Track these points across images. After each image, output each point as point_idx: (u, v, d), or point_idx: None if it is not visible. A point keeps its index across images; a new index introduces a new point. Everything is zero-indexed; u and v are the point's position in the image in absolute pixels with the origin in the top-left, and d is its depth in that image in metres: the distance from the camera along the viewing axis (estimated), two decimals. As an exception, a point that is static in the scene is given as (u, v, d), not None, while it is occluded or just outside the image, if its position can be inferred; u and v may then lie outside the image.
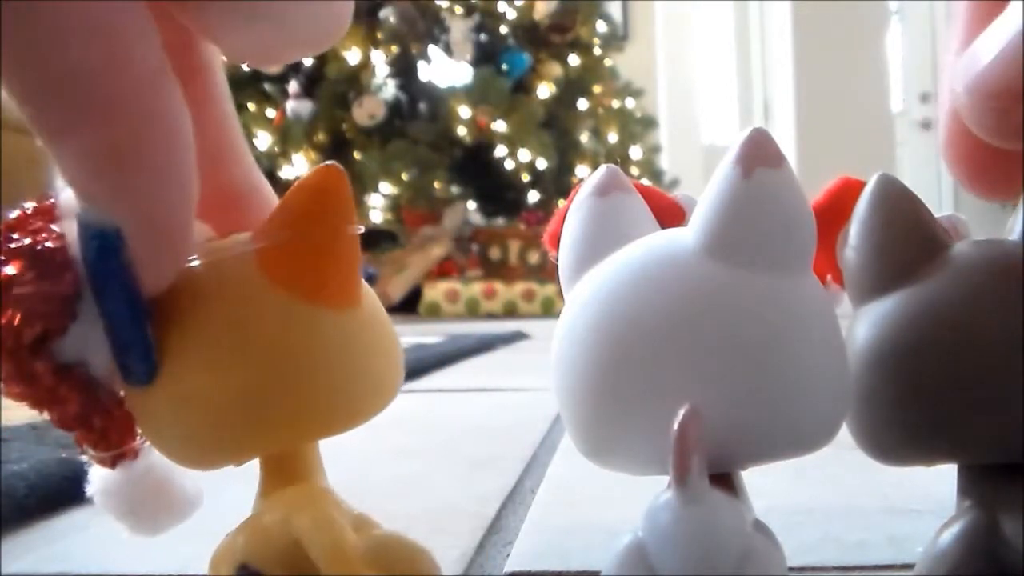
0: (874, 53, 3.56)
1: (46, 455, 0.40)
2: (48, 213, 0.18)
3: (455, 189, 2.92)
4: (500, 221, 3.02)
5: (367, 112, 2.72)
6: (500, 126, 2.81)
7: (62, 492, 0.36)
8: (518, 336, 1.55)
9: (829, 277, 0.26)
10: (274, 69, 2.55)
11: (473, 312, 2.66)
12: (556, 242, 0.22)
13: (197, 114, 0.20)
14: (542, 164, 2.87)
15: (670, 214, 0.24)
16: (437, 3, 2.83)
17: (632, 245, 0.20)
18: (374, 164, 2.70)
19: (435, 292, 2.68)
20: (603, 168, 0.22)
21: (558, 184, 2.90)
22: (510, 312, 2.67)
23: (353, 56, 2.74)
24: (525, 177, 2.89)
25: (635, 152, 3.23)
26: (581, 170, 2.93)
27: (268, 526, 0.18)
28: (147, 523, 0.21)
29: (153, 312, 0.18)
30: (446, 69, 2.89)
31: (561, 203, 0.25)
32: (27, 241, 0.18)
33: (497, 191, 2.96)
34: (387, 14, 2.77)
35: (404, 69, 2.85)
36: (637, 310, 0.18)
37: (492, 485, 0.39)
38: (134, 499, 0.21)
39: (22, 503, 0.34)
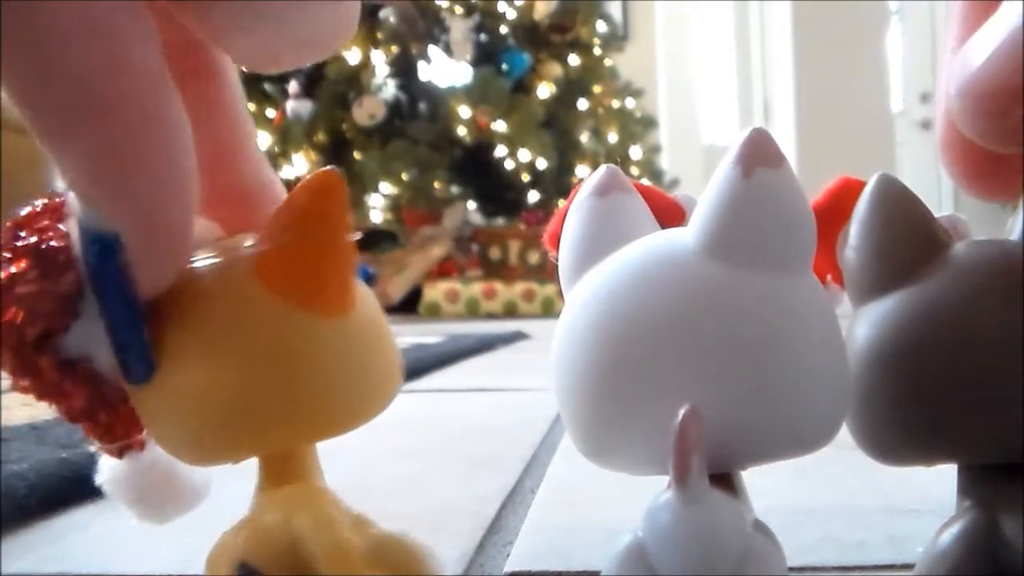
0: (874, 53, 3.56)
1: (46, 455, 0.40)
2: (56, 211, 0.18)
3: (455, 189, 2.92)
4: (500, 221, 3.02)
5: (367, 112, 2.72)
6: (500, 126, 2.81)
7: (62, 492, 0.36)
8: (518, 336, 1.55)
9: (829, 277, 0.26)
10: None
11: (473, 312, 2.66)
12: (556, 242, 0.22)
13: (206, 114, 0.20)
14: (542, 164, 2.87)
15: (670, 214, 0.25)
16: (437, 3, 2.83)
17: (632, 245, 0.20)
18: (374, 164, 2.70)
19: (435, 292, 2.68)
20: (603, 168, 0.22)
21: (558, 184, 2.90)
22: (510, 312, 2.67)
23: (353, 56, 2.74)
24: (525, 177, 2.89)
25: (635, 152, 3.23)
26: (581, 170, 2.93)
27: (268, 525, 0.18)
28: (154, 512, 0.22)
29: (152, 312, 0.18)
30: (446, 69, 2.88)
31: (561, 203, 0.25)
32: (33, 239, 0.18)
33: (497, 191, 2.96)
34: (387, 14, 2.77)
35: (404, 69, 2.85)
36: (637, 310, 0.18)
37: (492, 485, 0.39)
38: (141, 489, 0.21)
39: (22, 503, 0.34)
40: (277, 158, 2.73)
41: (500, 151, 2.85)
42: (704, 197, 0.19)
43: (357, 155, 2.74)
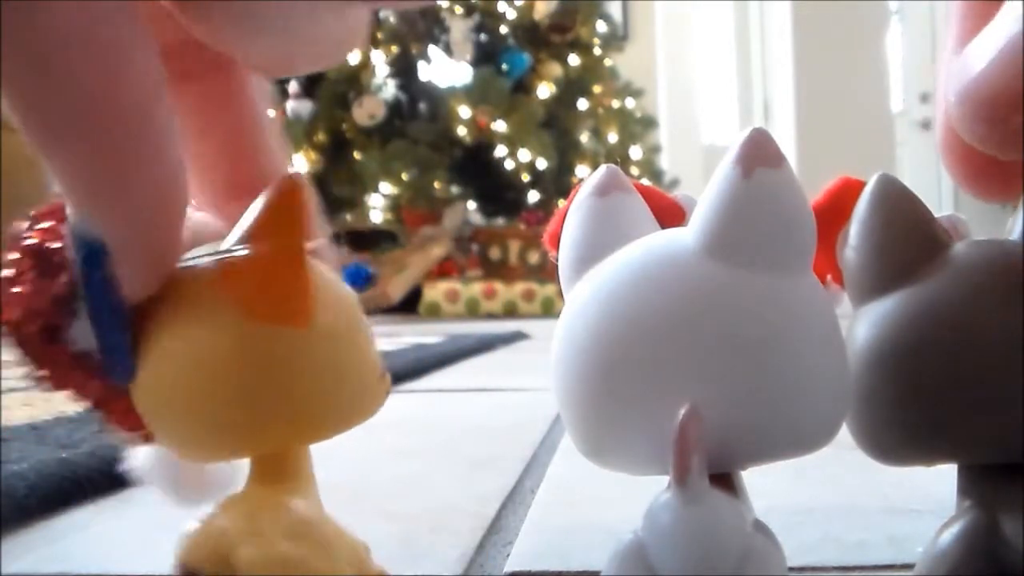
0: (874, 53, 3.56)
1: (46, 455, 0.40)
2: (60, 213, 0.19)
3: (455, 189, 2.92)
4: (500, 221, 3.02)
5: (367, 112, 2.72)
6: (500, 126, 2.81)
7: (62, 492, 0.36)
8: (518, 336, 1.55)
9: (829, 277, 0.26)
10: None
11: (473, 312, 2.66)
12: (556, 242, 0.22)
13: (220, 106, 0.20)
14: (542, 164, 2.87)
15: (670, 214, 0.25)
16: (437, 3, 2.83)
17: (632, 245, 0.20)
18: (374, 164, 2.70)
19: (435, 292, 2.68)
20: (603, 168, 0.22)
21: (558, 184, 2.90)
22: (510, 312, 2.67)
23: (353, 56, 2.74)
24: (525, 177, 2.89)
25: (635, 152, 3.23)
26: (581, 170, 2.93)
27: (213, 529, 0.18)
28: (188, 495, 0.22)
29: (137, 314, 0.18)
30: (446, 69, 2.88)
31: (561, 203, 0.25)
32: (35, 240, 0.19)
33: (497, 191, 2.96)
34: (387, 14, 2.77)
35: (404, 69, 2.85)
36: (637, 310, 0.18)
37: (492, 485, 0.39)
38: (173, 473, 0.22)
39: (22, 503, 0.34)
40: (277, 158, 2.73)
41: (500, 151, 2.85)
42: (704, 197, 0.19)
43: (357, 155, 2.74)
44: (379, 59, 2.81)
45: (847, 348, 0.20)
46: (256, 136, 0.21)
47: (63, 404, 0.62)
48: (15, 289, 0.18)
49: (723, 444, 0.18)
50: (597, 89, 3.12)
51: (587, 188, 0.21)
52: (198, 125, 0.21)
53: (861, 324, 0.20)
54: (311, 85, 2.77)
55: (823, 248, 0.25)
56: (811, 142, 3.41)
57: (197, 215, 0.21)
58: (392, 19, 2.77)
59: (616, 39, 3.42)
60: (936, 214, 0.21)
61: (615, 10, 3.96)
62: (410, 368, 0.88)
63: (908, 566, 0.25)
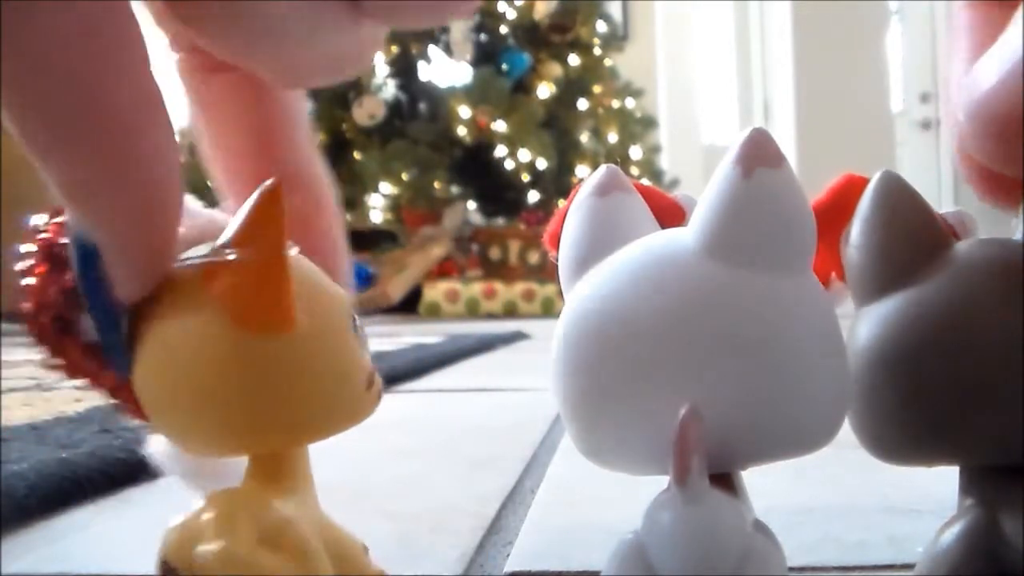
0: (874, 53, 3.56)
1: (46, 455, 0.40)
2: None
3: (455, 189, 2.91)
4: (500, 221, 3.02)
5: (367, 112, 2.72)
6: (500, 126, 2.81)
7: (62, 492, 0.36)
8: (518, 336, 1.55)
9: (833, 275, 0.26)
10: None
11: (473, 312, 2.66)
12: (556, 242, 0.22)
13: (246, 102, 0.20)
14: (542, 164, 2.87)
15: (670, 214, 0.24)
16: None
17: (632, 245, 0.20)
18: (374, 164, 2.70)
19: (435, 292, 2.68)
20: (603, 168, 0.22)
21: (558, 184, 2.89)
22: (510, 312, 2.67)
23: (353, 56, 2.74)
24: (525, 177, 2.89)
25: (635, 152, 3.23)
26: (581, 170, 2.93)
27: (194, 526, 0.18)
28: (211, 484, 0.22)
29: (135, 311, 0.19)
30: (446, 69, 2.88)
31: (561, 203, 0.25)
32: (49, 234, 0.19)
33: (497, 191, 2.95)
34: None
35: (404, 69, 2.85)
36: (637, 310, 0.18)
37: (492, 485, 0.39)
38: (185, 462, 0.22)
39: (22, 503, 0.34)
40: (277, 158, 2.73)
41: (500, 151, 2.85)
42: (704, 197, 0.19)
43: (357, 155, 2.74)
44: (379, 59, 2.81)
45: (849, 347, 0.20)
46: (284, 130, 0.21)
47: (63, 404, 0.62)
48: (28, 281, 0.19)
49: (723, 444, 0.18)
50: (597, 89, 3.12)
51: (587, 188, 0.21)
52: (226, 118, 0.21)
53: (863, 324, 0.20)
54: (311, 85, 2.77)
55: (827, 245, 0.25)
56: (811, 142, 3.41)
57: (205, 212, 0.21)
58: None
59: (616, 39, 3.42)
60: (943, 211, 0.21)
61: (615, 10, 3.96)
62: (410, 368, 0.88)
63: (908, 566, 0.25)
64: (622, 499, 0.33)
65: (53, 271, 0.19)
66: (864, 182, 0.22)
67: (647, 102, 3.60)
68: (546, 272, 2.70)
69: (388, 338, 1.39)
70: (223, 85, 0.20)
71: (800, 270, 0.18)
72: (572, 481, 0.39)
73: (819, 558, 0.26)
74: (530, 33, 3.00)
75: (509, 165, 2.86)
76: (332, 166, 0.23)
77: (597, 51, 3.15)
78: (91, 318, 0.18)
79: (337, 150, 2.74)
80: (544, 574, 0.26)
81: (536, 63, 2.98)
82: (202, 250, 0.19)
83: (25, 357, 1.19)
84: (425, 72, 2.89)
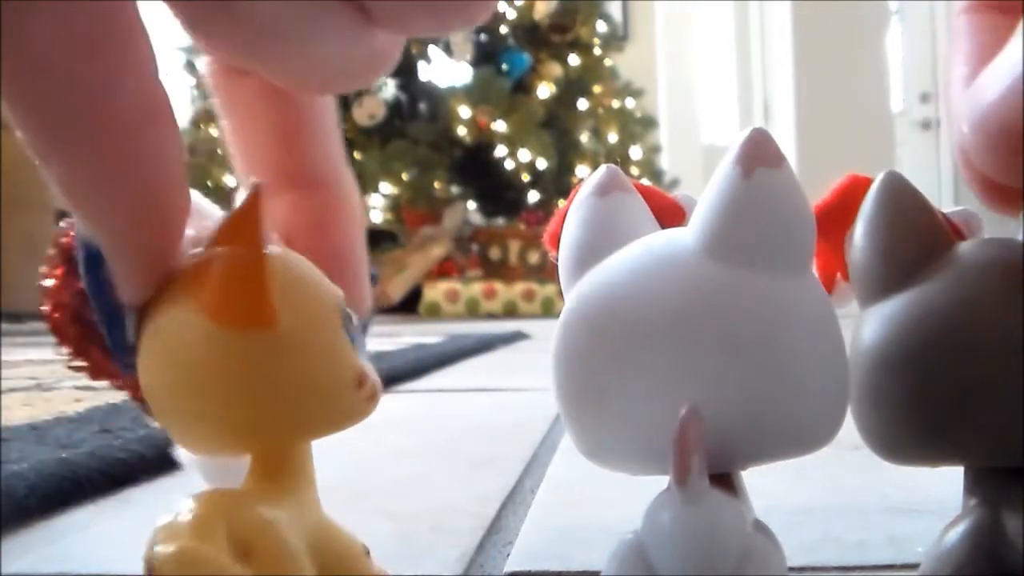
0: (874, 53, 3.55)
1: (46, 455, 0.40)
2: None
3: (455, 189, 2.92)
4: (500, 221, 3.02)
5: (367, 112, 2.72)
6: (500, 126, 2.81)
7: (62, 492, 0.36)
8: (518, 336, 1.55)
9: (838, 275, 0.26)
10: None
11: (473, 312, 2.66)
12: (556, 242, 0.22)
13: (269, 102, 0.20)
14: (542, 164, 2.87)
15: (670, 214, 0.24)
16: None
17: (632, 245, 0.20)
18: (374, 164, 2.70)
19: (435, 292, 2.68)
20: (603, 168, 0.22)
21: (558, 184, 2.90)
22: (510, 312, 2.67)
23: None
24: (525, 177, 2.89)
25: (635, 152, 3.23)
26: (581, 170, 2.93)
27: (174, 530, 0.18)
28: (225, 481, 0.22)
29: (139, 313, 0.19)
30: (446, 69, 2.89)
31: (561, 203, 0.25)
32: (68, 238, 0.20)
33: (497, 191, 2.96)
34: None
35: (404, 69, 2.85)
36: (637, 310, 0.18)
37: (492, 485, 0.39)
38: (208, 465, 0.22)
39: (22, 503, 0.34)
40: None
41: (500, 151, 2.85)
42: (704, 197, 0.19)
43: (357, 155, 2.74)
44: (379, 59, 2.80)
45: (853, 347, 0.20)
46: (308, 132, 0.21)
47: (63, 404, 0.62)
48: (47, 283, 0.19)
49: (723, 444, 0.18)
50: (597, 89, 3.12)
51: (587, 188, 0.21)
52: (250, 119, 0.21)
53: (867, 324, 0.20)
54: (311, 85, 2.76)
55: (832, 245, 0.25)
56: (811, 142, 3.40)
57: (218, 213, 0.21)
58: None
59: (616, 39, 3.42)
60: (949, 210, 0.21)
61: (615, 10, 3.96)
62: (410, 368, 0.88)
63: (908, 566, 0.25)
64: (622, 499, 0.33)
65: (69, 273, 0.19)
66: (868, 182, 0.22)
67: (647, 102, 3.60)
68: (546, 272, 2.70)
69: (388, 338, 1.39)
70: (248, 86, 0.20)
71: (800, 270, 0.18)
72: (572, 481, 0.39)
73: (819, 558, 0.26)
74: (530, 33, 3.00)
75: (509, 165, 2.86)
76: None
77: (597, 51, 3.15)
78: (97, 316, 0.19)
79: (337, 150, 2.73)
80: (544, 574, 0.26)
81: (536, 63, 2.98)
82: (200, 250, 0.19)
83: (25, 357, 1.19)
84: (425, 72, 2.89)
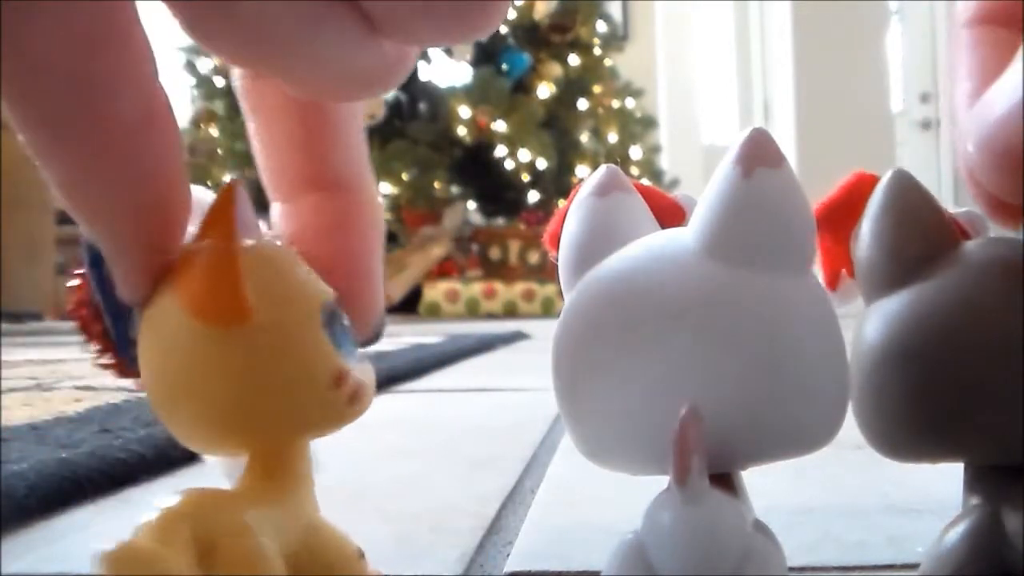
0: (874, 53, 3.55)
1: (46, 455, 0.40)
2: None
3: (455, 189, 2.92)
4: (500, 221, 3.02)
5: (367, 112, 2.72)
6: (500, 126, 2.81)
7: (62, 492, 0.36)
8: (518, 336, 1.55)
9: (844, 272, 0.26)
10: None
11: (473, 312, 2.66)
12: (556, 242, 0.22)
13: (290, 104, 0.20)
14: (542, 164, 2.87)
15: (670, 214, 0.24)
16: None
17: (632, 245, 0.20)
18: (374, 164, 2.69)
19: (435, 292, 2.68)
20: (603, 168, 0.22)
21: (558, 184, 2.90)
22: (510, 312, 2.67)
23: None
24: (525, 177, 2.89)
25: (635, 152, 3.23)
26: (581, 170, 2.93)
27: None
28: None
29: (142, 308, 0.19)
30: (446, 69, 2.89)
31: (561, 203, 0.25)
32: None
33: (497, 191, 2.96)
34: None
35: (404, 69, 2.85)
36: (637, 310, 0.18)
37: (492, 485, 0.39)
38: (228, 464, 0.22)
39: (22, 503, 0.34)
40: (277, 158, 2.73)
41: (500, 151, 2.85)
42: (704, 197, 0.19)
43: (357, 155, 2.74)
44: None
45: (856, 343, 0.20)
46: (331, 134, 0.21)
47: (63, 404, 0.62)
48: (72, 283, 0.20)
49: (723, 444, 0.18)
50: (597, 89, 3.12)
51: (587, 188, 0.21)
52: (272, 120, 0.21)
53: (871, 320, 0.20)
54: (311, 85, 2.76)
55: (838, 242, 0.25)
56: (811, 142, 3.40)
57: None
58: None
59: (616, 39, 3.42)
60: (955, 210, 0.21)
61: (615, 10, 3.96)
62: (410, 368, 0.88)
63: (908, 566, 0.25)
64: (622, 499, 0.33)
65: (87, 273, 0.20)
66: (874, 180, 0.22)
67: (647, 102, 3.61)
68: (546, 272, 2.70)
69: (388, 338, 1.39)
70: (272, 88, 0.20)
71: (800, 270, 0.18)
72: (572, 481, 0.39)
73: (819, 558, 0.26)
74: (530, 33, 3.00)
75: (509, 165, 2.86)
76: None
77: (597, 51, 3.15)
78: (104, 314, 0.19)
79: (337, 150, 2.73)
80: (544, 574, 0.26)
81: (536, 63, 2.99)
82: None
83: (25, 357, 1.19)
84: (425, 72, 2.89)
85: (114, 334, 0.19)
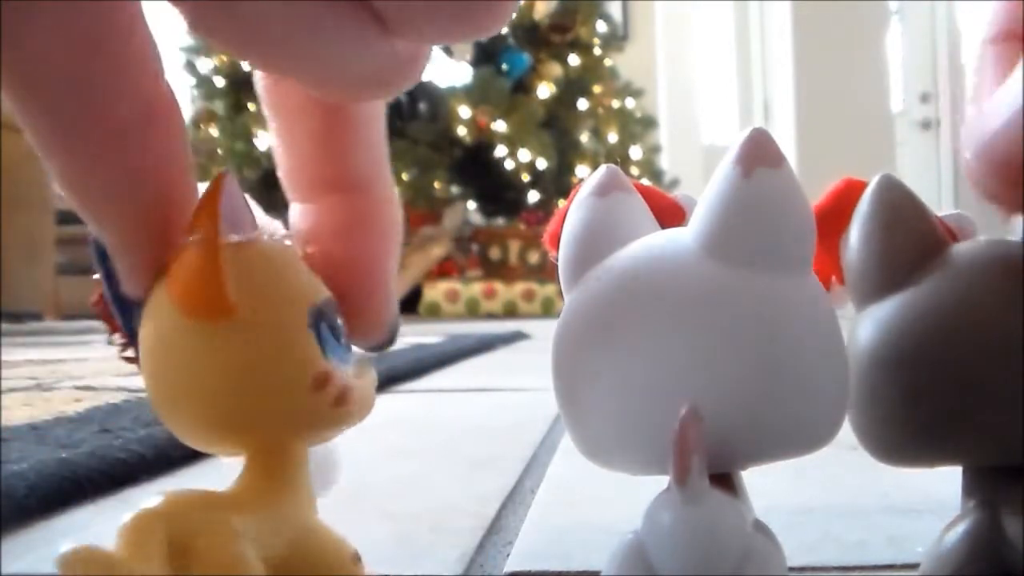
0: (874, 53, 3.56)
1: (46, 455, 0.40)
2: None
3: (455, 189, 2.92)
4: (500, 221, 3.02)
5: (367, 112, 2.72)
6: (500, 126, 2.81)
7: (62, 492, 0.36)
8: (518, 336, 1.55)
9: (833, 278, 0.26)
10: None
11: (473, 312, 2.66)
12: (556, 242, 0.22)
13: (310, 105, 0.20)
14: (542, 164, 2.87)
15: (670, 214, 0.24)
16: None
17: (632, 245, 0.20)
18: (374, 164, 2.69)
19: (435, 292, 2.68)
20: (603, 168, 0.22)
21: (558, 184, 2.90)
22: (510, 312, 2.67)
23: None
24: (525, 177, 2.89)
25: (635, 152, 3.23)
26: (581, 170, 2.93)
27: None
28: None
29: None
30: (446, 69, 2.89)
31: (561, 203, 0.25)
32: None
33: (497, 191, 2.96)
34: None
35: (404, 69, 2.85)
36: (637, 310, 0.18)
37: (492, 485, 0.39)
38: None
39: (22, 503, 0.34)
40: (277, 158, 2.73)
41: (500, 151, 2.85)
42: (704, 197, 0.19)
43: (357, 155, 2.74)
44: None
45: (849, 350, 0.20)
46: (350, 133, 0.21)
47: (63, 404, 0.62)
48: (96, 277, 0.20)
49: (723, 444, 0.18)
50: (597, 89, 3.12)
51: (587, 188, 0.21)
52: (292, 120, 0.21)
53: (862, 326, 0.20)
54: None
55: (827, 249, 0.25)
56: (811, 142, 3.41)
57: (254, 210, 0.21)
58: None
59: (616, 39, 3.42)
60: (942, 213, 0.21)
61: (615, 10, 3.96)
62: (410, 368, 0.88)
63: (908, 566, 0.25)
64: (622, 499, 0.33)
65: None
66: (863, 185, 0.22)
67: (647, 102, 3.61)
68: (546, 272, 2.70)
69: (388, 338, 1.38)
70: (291, 89, 0.20)
71: (800, 270, 0.18)
72: (572, 481, 0.39)
73: (819, 558, 0.26)
74: (530, 33, 3.00)
75: (509, 165, 2.86)
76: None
77: (597, 51, 3.15)
78: (113, 308, 0.20)
79: (337, 150, 2.73)
80: (544, 574, 0.26)
81: (536, 63, 2.99)
82: None
83: (25, 357, 1.19)
84: (425, 72, 2.89)
85: (124, 327, 0.20)
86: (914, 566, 0.19)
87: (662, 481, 0.17)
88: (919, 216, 0.20)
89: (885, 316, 0.20)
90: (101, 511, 0.36)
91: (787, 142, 3.45)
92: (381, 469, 0.43)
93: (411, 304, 2.64)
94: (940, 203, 3.60)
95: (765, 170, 0.18)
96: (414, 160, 2.73)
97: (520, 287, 2.71)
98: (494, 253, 2.80)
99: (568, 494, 0.37)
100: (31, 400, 0.66)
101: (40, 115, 0.16)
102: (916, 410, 0.19)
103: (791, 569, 0.23)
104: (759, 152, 0.18)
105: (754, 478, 0.20)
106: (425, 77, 0.19)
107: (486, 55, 2.90)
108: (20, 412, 0.58)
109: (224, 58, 2.84)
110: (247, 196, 0.20)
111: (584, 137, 3.07)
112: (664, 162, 3.75)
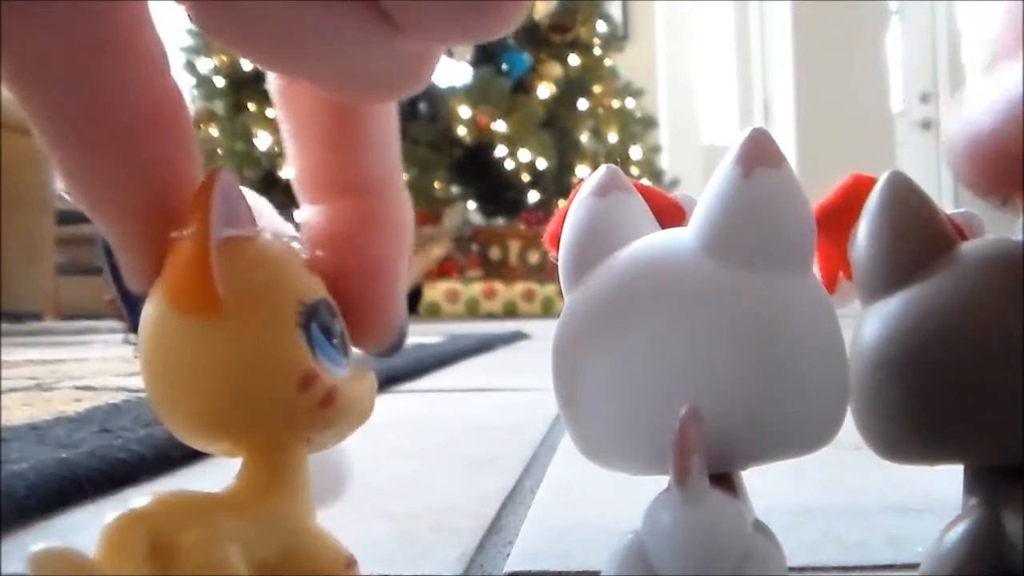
0: (874, 53, 3.56)
1: (46, 455, 0.40)
2: None
3: (455, 189, 2.92)
4: (500, 221, 3.02)
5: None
6: (500, 126, 2.81)
7: (62, 492, 0.36)
8: (518, 336, 1.55)
9: (841, 274, 0.26)
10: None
11: (473, 312, 2.66)
12: (556, 242, 0.22)
13: (321, 107, 0.20)
14: (542, 164, 2.87)
15: (670, 214, 0.24)
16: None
17: (632, 245, 0.20)
18: (374, 164, 2.69)
19: (435, 292, 2.68)
20: (603, 168, 0.22)
21: (558, 184, 2.90)
22: (510, 312, 2.67)
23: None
24: (525, 177, 2.89)
25: (635, 152, 3.23)
26: (581, 170, 2.93)
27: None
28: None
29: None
30: (446, 69, 2.88)
31: (561, 203, 0.25)
32: None
33: (497, 191, 2.96)
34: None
35: (404, 69, 2.85)
36: (636, 310, 0.18)
37: (492, 485, 0.39)
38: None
39: (22, 503, 0.34)
40: (277, 158, 2.73)
41: (500, 151, 2.85)
42: (704, 197, 0.19)
43: (357, 155, 2.74)
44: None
45: (854, 346, 0.20)
46: (362, 135, 0.21)
47: (63, 404, 0.62)
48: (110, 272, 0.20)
49: (723, 444, 0.18)
50: (597, 89, 3.12)
51: (587, 188, 0.21)
52: (304, 122, 0.21)
53: (868, 322, 0.20)
54: (311, 85, 2.76)
55: (835, 245, 0.25)
56: (811, 142, 3.40)
57: (267, 209, 0.21)
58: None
59: (616, 39, 3.42)
60: (951, 211, 0.21)
61: (615, 10, 3.96)
62: (410, 368, 0.88)
63: (908, 566, 0.25)
64: (622, 499, 0.33)
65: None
66: (871, 182, 0.22)
67: (647, 102, 3.60)
68: (546, 272, 2.70)
69: (388, 338, 1.38)
70: (303, 90, 0.20)
71: (800, 270, 0.18)
72: (572, 481, 0.39)
73: (819, 558, 0.26)
74: (530, 33, 3.00)
75: (509, 165, 2.86)
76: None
77: (597, 51, 3.15)
78: (118, 302, 0.20)
79: (337, 150, 2.73)
80: (544, 574, 0.26)
81: (536, 63, 2.99)
82: None
83: (25, 357, 1.19)
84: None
85: (130, 323, 0.20)
86: (914, 566, 0.19)
87: (662, 481, 0.17)
88: (928, 213, 0.20)
89: (891, 313, 0.20)
90: (101, 511, 0.36)
91: (787, 142, 3.45)
92: (381, 469, 0.43)
93: (411, 304, 2.64)
94: (940, 203, 3.58)
95: (765, 170, 0.18)
96: (414, 160, 2.73)
97: (520, 287, 2.71)
98: (494, 253, 2.80)
99: (568, 494, 0.37)
100: (31, 400, 0.66)
101: (41, 113, 0.16)
102: (920, 407, 0.19)
103: (791, 569, 0.23)
104: (759, 152, 0.18)
105: (754, 478, 0.20)
106: (427, 77, 0.19)
107: (486, 55, 2.90)
108: (20, 412, 0.58)
109: (224, 58, 2.84)
110: (256, 195, 0.20)
111: (584, 137, 3.07)
112: (664, 162, 3.75)
